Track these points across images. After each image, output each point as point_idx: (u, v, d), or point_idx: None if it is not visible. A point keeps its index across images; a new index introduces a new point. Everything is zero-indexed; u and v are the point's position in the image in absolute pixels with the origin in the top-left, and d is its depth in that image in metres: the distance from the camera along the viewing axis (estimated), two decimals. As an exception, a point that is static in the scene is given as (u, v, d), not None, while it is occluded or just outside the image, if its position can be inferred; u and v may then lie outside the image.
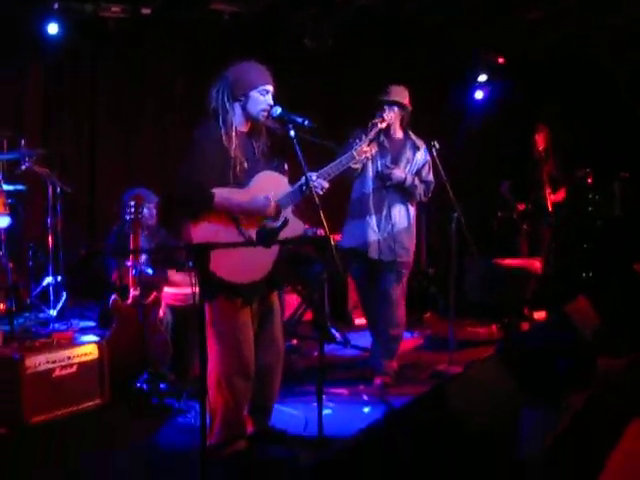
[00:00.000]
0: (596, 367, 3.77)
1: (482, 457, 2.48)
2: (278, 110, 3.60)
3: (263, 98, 3.62)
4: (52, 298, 6.51)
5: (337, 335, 6.45)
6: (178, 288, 5.29)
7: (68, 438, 4.03)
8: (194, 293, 2.98)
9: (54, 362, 4.29)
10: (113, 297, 4.92)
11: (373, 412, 4.53)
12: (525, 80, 8.72)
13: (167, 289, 5.26)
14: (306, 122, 3.54)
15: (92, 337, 4.77)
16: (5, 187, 5.98)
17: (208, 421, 3.59)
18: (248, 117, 3.68)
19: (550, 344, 3.70)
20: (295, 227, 3.75)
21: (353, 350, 6.11)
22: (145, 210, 5.21)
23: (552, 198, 7.43)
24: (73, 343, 4.53)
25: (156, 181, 6.46)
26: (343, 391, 4.96)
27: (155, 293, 4.98)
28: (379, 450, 2.36)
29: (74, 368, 4.38)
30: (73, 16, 7.20)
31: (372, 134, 4.55)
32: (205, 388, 3.04)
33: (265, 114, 3.63)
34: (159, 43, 7.94)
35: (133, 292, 4.88)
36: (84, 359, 4.44)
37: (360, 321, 6.71)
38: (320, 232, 3.75)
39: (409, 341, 6.32)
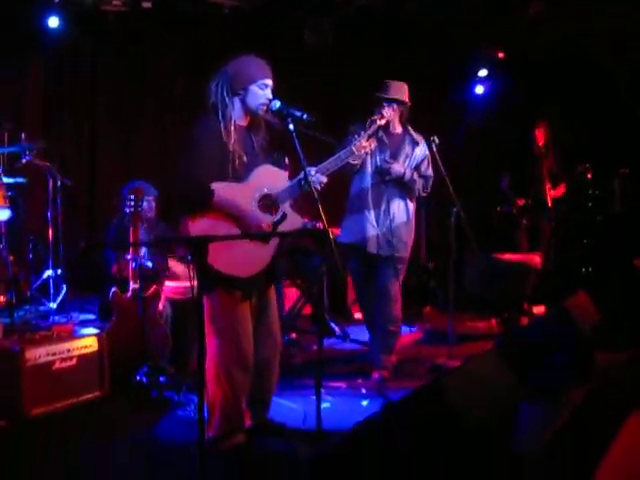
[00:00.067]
0: (595, 362, 3.78)
1: (480, 451, 2.49)
2: (277, 104, 3.61)
3: (262, 92, 3.62)
4: (52, 291, 6.53)
5: (336, 329, 6.46)
6: (178, 281, 5.30)
7: (68, 431, 4.05)
8: (190, 286, 2.99)
9: (54, 355, 4.30)
10: (113, 290, 4.94)
11: (371, 406, 4.54)
12: (525, 76, 8.71)
13: (167, 282, 5.28)
14: (305, 116, 3.54)
15: (92, 330, 4.78)
16: (5, 180, 5.99)
17: (207, 414, 3.62)
18: (247, 111, 3.68)
19: (549, 339, 3.71)
20: (293, 221, 3.75)
21: (352, 344, 6.13)
22: (144, 203, 5.21)
23: (552, 193, 7.44)
24: (73, 336, 4.54)
25: (155, 175, 6.47)
26: (342, 385, 4.98)
27: (155, 286, 4.98)
28: (377, 443, 2.38)
29: (74, 361, 4.39)
30: (73, 9, 7.20)
31: (371, 130, 4.55)
32: (203, 381, 3.05)
33: (264, 108, 3.64)
34: (159, 39, 7.95)
35: (133, 285, 4.88)
36: (84, 352, 4.45)
37: (359, 315, 6.70)
38: (319, 226, 3.75)
39: (408, 335, 6.33)
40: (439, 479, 2.35)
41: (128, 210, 4.97)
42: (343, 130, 4.96)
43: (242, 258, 3.53)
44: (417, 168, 5.13)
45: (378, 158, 5.04)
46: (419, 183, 5.12)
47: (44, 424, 4.08)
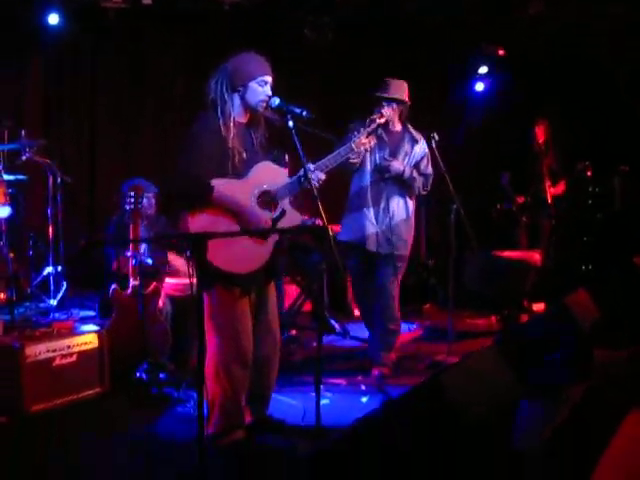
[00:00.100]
0: (594, 359, 3.78)
1: (479, 448, 2.49)
2: (277, 101, 3.61)
3: (262, 89, 3.63)
4: (52, 288, 6.52)
5: (336, 326, 6.47)
6: (178, 278, 5.30)
7: (68, 427, 4.06)
8: (190, 282, 2.99)
9: (54, 351, 4.31)
10: (113, 287, 4.94)
11: (371, 402, 4.56)
12: (525, 74, 8.71)
13: (167, 279, 5.28)
14: (304, 113, 3.55)
15: (92, 327, 4.79)
16: (6, 177, 5.99)
17: (206, 411, 3.63)
18: (247, 108, 3.68)
19: (549, 336, 3.71)
20: (293, 218, 3.75)
21: (352, 341, 6.13)
22: (144, 200, 5.22)
23: (552, 191, 7.44)
24: (73, 332, 4.54)
25: (155, 172, 6.47)
26: (341, 381, 4.99)
27: (155, 283, 4.99)
28: (376, 440, 2.38)
29: (74, 357, 4.40)
30: (73, 6, 7.20)
31: (371, 128, 4.55)
32: (203, 378, 3.05)
33: (264, 105, 3.64)
34: (160, 36, 7.94)
35: (133, 282, 4.89)
36: (84, 348, 4.47)
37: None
38: (318, 223, 3.76)
39: (408, 333, 6.33)
40: (438, 476, 2.35)
41: (128, 207, 4.98)
42: (343, 128, 4.96)
43: (241, 255, 3.53)
44: (417, 166, 5.13)
45: (377, 156, 5.04)
46: (419, 181, 5.12)
47: (44, 420, 4.09)
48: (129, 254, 4.91)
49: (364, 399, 4.65)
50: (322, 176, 3.76)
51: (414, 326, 6.82)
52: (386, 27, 7.99)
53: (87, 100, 7.77)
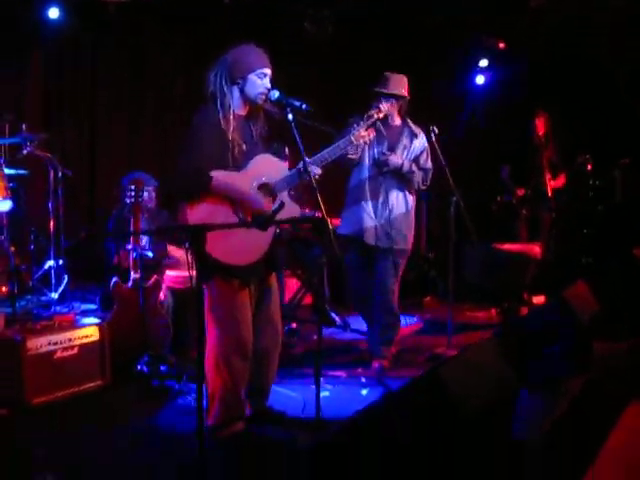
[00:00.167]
0: (594, 352, 3.79)
1: (479, 440, 2.51)
2: (276, 94, 3.62)
3: (261, 81, 3.63)
4: (54, 281, 6.53)
5: (337, 319, 6.49)
6: (178, 270, 5.32)
7: (69, 419, 4.07)
8: (190, 275, 3.00)
9: (55, 344, 4.34)
10: (114, 280, 4.96)
11: (371, 395, 4.58)
12: (526, 67, 8.70)
13: (168, 272, 5.30)
14: (304, 106, 3.56)
15: (93, 319, 4.81)
16: (7, 171, 5.99)
17: (207, 403, 3.65)
18: (246, 100, 3.69)
19: (548, 328, 3.72)
20: (291, 210, 3.75)
21: (352, 334, 6.15)
22: (145, 194, 5.23)
23: (552, 184, 7.43)
24: (74, 325, 4.57)
25: (157, 165, 6.48)
26: (341, 374, 5.01)
27: (156, 276, 5.01)
28: (376, 432, 2.39)
29: (75, 350, 4.43)
30: (74, 0, 7.19)
31: (370, 121, 4.55)
32: (202, 370, 3.06)
33: (263, 97, 3.65)
34: (159, 30, 7.94)
35: (134, 275, 4.91)
36: (85, 341, 4.49)
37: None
38: (318, 215, 3.77)
39: (408, 326, 6.34)
40: (438, 467, 2.37)
41: (128, 200, 4.99)
42: (342, 121, 4.96)
43: (240, 246, 3.54)
44: (416, 160, 5.12)
45: (376, 150, 5.04)
46: (418, 175, 5.10)
47: (45, 413, 4.11)
48: (130, 247, 4.93)
49: (364, 391, 4.67)
50: (318, 171, 3.75)
51: (414, 319, 6.84)
52: (386, 20, 7.98)
53: (88, 94, 7.77)
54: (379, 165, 5.04)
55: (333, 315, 6.52)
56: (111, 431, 3.91)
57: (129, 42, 7.84)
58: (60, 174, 6.61)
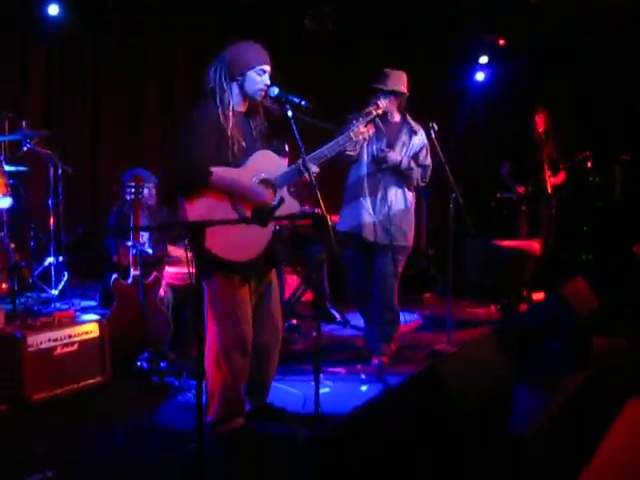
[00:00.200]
0: (593, 348, 3.80)
1: (478, 435, 2.51)
2: (275, 90, 3.62)
3: (260, 78, 3.63)
4: (54, 278, 6.56)
5: (336, 315, 6.50)
6: (178, 267, 5.32)
7: (69, 416, 4.08)
8: (190, 272, 3.01)
9: (55, 340, 4.34)
10: (114, 277, 4.97)
11: (370, 391, 4.58)
12: (526, 63, 8.70)
13: (167, 268, 5.31)
14: (303, 102, 3.56)
15: (93, 316, 4.81)
16: (7, 168, 6.01)
17: (206, 398, 3.66)
18: (245, 97, 3.69)
19: (547, 325, 3.73)
20: (291, 206, 3.75)
21: (352, 330, 6.16)
22: (145, 190, 5.23)
23: (552, 181, 7.43)
24: (74, 322, 4.57)
25: (158, 162, 6.48)
26: (341, 370, 5.01)
27: (155, 273, 5.02)
28: (373, 427, 2.40)
29: (75, 346, 4.43)
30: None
31: (368, 119, 4.55)
32: (202, 366, 3.07)
33: (262, 94, 3.65)
34: (159, 24, 7.96)
35: (134, 272, 4.92)
36: (85, 337, 4.50)
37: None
38: (318, 212, 3.78)
39: (407, 323, 6.34)
40: (436, 463, 2.37)
41: (128, 197, 4.99)
42: (342, 118, 4.96)
43: (239, 242, 3.54)
44: (415, 157, 5.11)
45: (375, 147, 5.03)
46: (417, 172, 5.09)
47: (45, 409, 4.12)
48: (129, 244, 4.93)
49: (364, 388, 4.68)
50: (315, 169, 3.73)
51: (414, 315, 6.85)
52: (386, 18, 7.98)
53: (89, 91, 7.79)
54: (377, 162, 5.04)
55: (333, 312, 6.53)
56: (111, 427, 3.90)
57: (129, 42, 7.86)
58: (60, 171, 6.62)
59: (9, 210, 6.06)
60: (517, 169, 7.64)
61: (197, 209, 3.48)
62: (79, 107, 7.76)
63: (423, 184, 5.20)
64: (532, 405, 3.07)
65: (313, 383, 3.46)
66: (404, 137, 5.10)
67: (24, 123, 6.41)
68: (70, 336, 4.42)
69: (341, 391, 4.58)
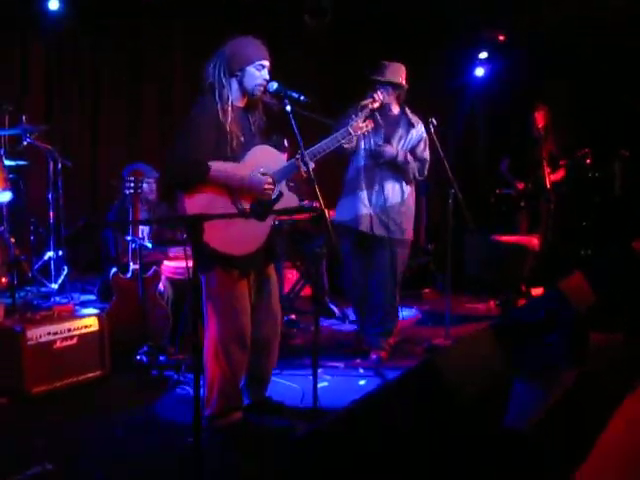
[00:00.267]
0: (590, 343, 3.81)
1: (475, 428, 2.52)
2: (274, 85, 3.62)
3: (259, 73, 3.64)
4: (53, 272, 6.57)
5: (336, 310, 6.52)
6: (178, 261, 5.34)
7: (68, 409, 4.09)
8: (189, 266, 3.02)
9: (55, 334, 4.36)
10: (113, 271, 4.98)
11: (369, 385, 4.60)
12: (526, 59, 8.70)
13: (167, 263, 5.32)
14: (302, 97, 3.56)
15: (92, 310, 4.83)
16: (7, 162, 6.02)
17: (205, 392, 3.67)
18: (244, 92, 3.69)
19: (544, 319, 3.73)
20: (290, 201, 3.76)
21: (351, 325, 6.17)
22: (145, 185, 5.25)
23: (551, 177, 7.44)
24: (74, 315, 4.58)
25: (158, 157, 6.50)
26: (340, 364, 5.03)
27: (155, 267, 5.03)
28: (371, 420, 2.41)
29: (75, 340, 4.45)
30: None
31: (366, 112, 4.55)
32: (199, 360, 3.08)
33: (261, 89, 3.66)
34: (157, 29, 7.99)
35: (133, 266, 4.93)
36: (85, 331, 4.52)
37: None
38: (316, 205, 3.78)
39: (406, 319, 6.36)
40: (435, 457, 2.39)
41: (128, 192, 5.01)
42: (341, 113, 4.97)
43: (238, 236, 3.55)
44: (413, 150, 5.10)
45: (372, 140, 5.03)
46: (414, 166, 5.07)
47: (45, 402, 4.14)
48: (129, 238, 4.94)
49: (362, 382, 4.70)
50: (311, 165, 3.73)
51: (413, 310, 6.87)
52: (385, 13, 7.98)
53: (87, 94, 7.81)
54: (373, 156, 5.04)
55: (332, 306, 6.55)
56: (110, 420, 3.92)
57: (128, 43, 7.88)
58: (60, 165, 6.63)
59: (9, 204, 6.08)
60: (517, 165, 7.65)
61: (196, 203, 3.49)
62: (77, 110, 7.78)
63: (421, 178, 5.19)
64: (530, 399, 3.07)
65: (311, 377, 3.47)
66: (401, 130, 5.09)
67: (24, 118, 6.42)
68: (69, 330, 4.43)
69: (339, 385, 4.59)
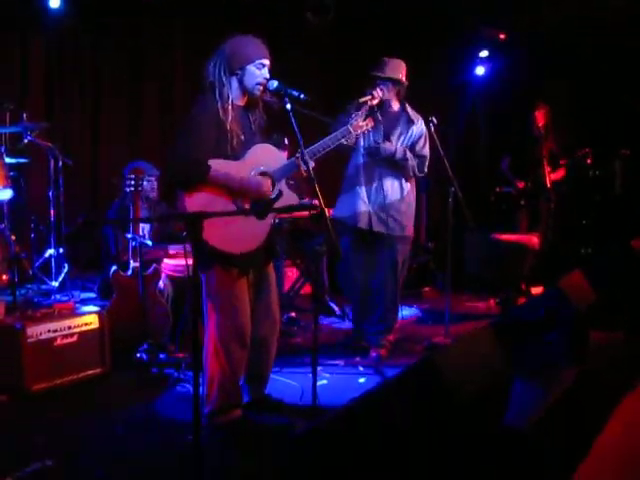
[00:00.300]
0: (590, 341, 3.81)
1: (474, 427, 2.53)
2: (275, 83, 3.62)
3: (259, 72, 3.64)
4: (54, 270, 6.58)
5: (335, 308, 6.52)
6: (178, 259, 5.34)
7: (68, 406, 4.10)
8: (189, 264, 3.02)
9: (55, 331, 4.37)
10: (114, 269, 4.99)
11: (368, 383, 4.61)
12: (527, 58, 8.70)
13: (167, 260, 5.32)
14: (302, 96, 3.56)
15: (93, 307, 4.83)
16: (8, 160, 6.02)
17: (205, 389, 3.68)
18: (245, 91, 3.69)
19: (544, 318, 3.74)
20: (289, 199, 3.76)
21: (351, 323, 6.16)
22: (145, 183, 5.25)
23: (552, 176, 7.44)
24: (74, 313, 4.59)
25: (159, 155, 6.50)
26: (339, 362, 5.04)
27: (155, 265, 5.03)
28: (370, 419, 2.42)
29: (75, 337, 4.46)
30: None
31: (364, 109, 4.55)
32: (198, 358, 3.08)
33: (261, 88, 3.66)
34: (158, 28, 7.99)
35: (133, 263, 4.94)
36: (85, 329, 4.52)
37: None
38: (316, 203, 3.78)
39: (406, 318, 6.36)
40: (435, 455, 2.39)
41: (128, 189, 5.01)
42: (341, 110, 4.98)
43: (238, 234, 3.56)
44: (412, 147, 5.09)
45: (371, 137, 5.03)
46: (412, 162, 5.06)
47: (45, 400, 4.15)
48: (129, 236, 4.95)
49: (361, 380, 4.70)
50: (311, 164, 3.73)
51: (413, 307, 6.87)
52: (386, 9, 7.98)
53: (88, 93, 7.82)
54: (371, 154, 5.04)
55: (332, 305, 6.55)
56: (110, 418, 3.93)
57: (129, 42, 7.88)
58: (60, 163, 6.64)
59: (10, 202, 6.08)
60: (517, 163, 7.65)
61: (196, 202, 3.49)
62: (78, 109, 7.78)
63: (421, 175, 5.17)
64: (529, 398, 3.07)
65: (311, 375, 3.48)
66: (401, 127, 5.09)
67: (25, 115, 6.42)
68: (70, 327, 4.44)
69: (339, 383, 4.60)
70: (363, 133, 4.52)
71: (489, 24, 8.29)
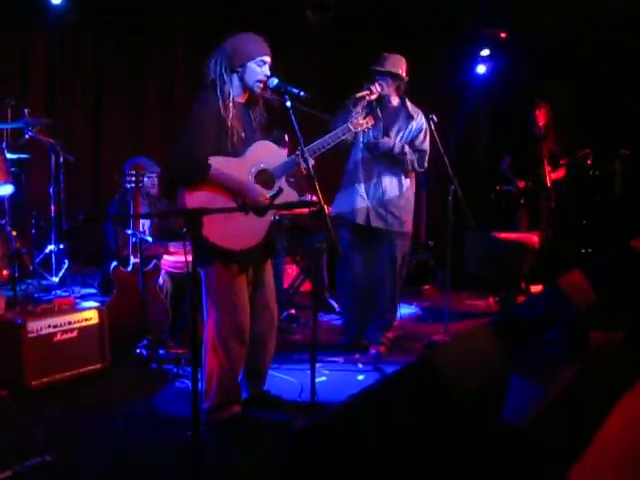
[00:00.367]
0: (589, 340, 3.81)
1: (473, 424, 2.53)
2: (275, 81, 3.63)
3: (260, 69, 3.65)
4: (54, 265, 6.59)
5: (335, 305, 6.53)
6: (177, 256, 5.35)
7: (68, 402, 4.11)
8: (189, 260, 3.03)
9: (55, 327, 4.38)
10: (114, 264, 5.00)
11: (367, 380, 4.62)
12: (527, 57, 8.69)
13: (167, 257, 5.33)
14: (302, 93, 3.57)
15: (93, 303, 4.84)
16: (9, 156, 6.03)
17: (204, 385, 3.69)
18: (245, 88, 3.70)
19: (544, 317, 3.74)
20: (289, 196, 3.78)
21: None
22: (146, 179, 5.26)
23: (552, 176, 7.44)
24: (74, 308, 4.59)
25: (160, 152, 6.51)
26: (339, 359, 5.04)
27: (155, 261, 5.04)
28: (368, 416, 2.42)
29: (75, 333, 4.47)
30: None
31: (361, 107, 4.55)
32: (197, 354, 3.09)
33: (262, 85, 3.67)
34: (159, 26, 7.99)
35: (133, 259, 4.94)
36: (85, 324, 4.53)
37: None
38: (314, 199, 3.79)
39: (404, 317, 6.36)
40: (433, 451, 2.40)
41: (129, 185, 5.02)
42: (339, 106, 4.97)
43: (237, 231, 3.57)
44: (412, 142, 5.08)
45: (370, 133, 5.01)
46: (412, 157, 5.05)
47: (45, 395, 4.15)
48: (129, 232, 4.96)
49: (360, 377, 4.71)
50: (310, 162, 3.73)
51: (413, 307, 6.88)
52: (387, 10, 7.98)
53: (89, 90, 7.82)
54: (369, 150, 5.05)
55: (331, 302, 6.56)
56: (110, 413, 3.94)
57: (129, 40, 7.89)
58: (61, 159, 6.64)
59: (10, 198, 6.09)
60: (517, 163, 7.65)
61: (196, 198, 3.50)
62: (80, 106, 7.79)
63: (421, 169, 5.16)
64: (528, 395, 3.08)
65: (310, 372, 3.49)
66: (400, 122, 5.08)
67: (26, 111, 6.42)
68: (70, 323, 4.45)
69: (338, 380, 4.61)
70: (364, 131, 4.53)
71: (489, 24, 8.29)
